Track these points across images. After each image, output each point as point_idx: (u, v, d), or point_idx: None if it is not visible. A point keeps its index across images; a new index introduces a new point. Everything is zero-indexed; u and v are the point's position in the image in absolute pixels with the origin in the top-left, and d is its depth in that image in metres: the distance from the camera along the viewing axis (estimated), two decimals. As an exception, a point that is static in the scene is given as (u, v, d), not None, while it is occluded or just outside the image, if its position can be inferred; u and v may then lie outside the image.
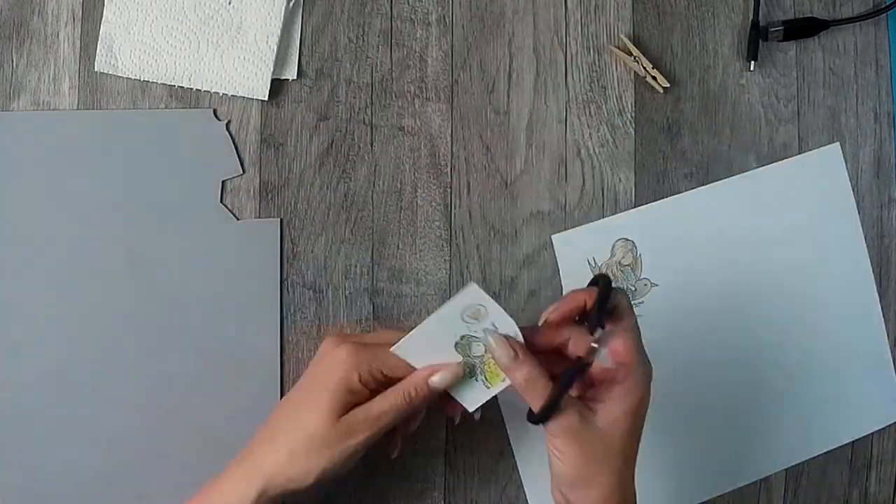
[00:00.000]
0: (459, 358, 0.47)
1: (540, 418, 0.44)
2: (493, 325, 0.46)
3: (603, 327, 0.45)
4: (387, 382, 0.47)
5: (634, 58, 0.63)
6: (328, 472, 0.46)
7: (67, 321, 0.56)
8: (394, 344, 0.47)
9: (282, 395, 0.58)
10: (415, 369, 0.47)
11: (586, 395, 0.47)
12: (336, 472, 0.46)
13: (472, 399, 0.48)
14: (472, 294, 0.45)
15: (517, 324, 0.46)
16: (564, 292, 0.61)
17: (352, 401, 0.46)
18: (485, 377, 0.48)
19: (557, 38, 0.63)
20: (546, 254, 0.62)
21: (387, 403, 0.46)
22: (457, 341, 0.47)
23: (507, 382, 0.47)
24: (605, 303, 0.44)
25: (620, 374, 0.45)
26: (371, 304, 0.60)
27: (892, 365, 0.66)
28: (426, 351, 0.47)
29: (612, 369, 0.45)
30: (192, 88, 0.59)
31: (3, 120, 0.57)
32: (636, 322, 0.47)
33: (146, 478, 0.56)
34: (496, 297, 0.61)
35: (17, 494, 0.55)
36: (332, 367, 0.46)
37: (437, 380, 0.47)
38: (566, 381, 0.44)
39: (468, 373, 0.48)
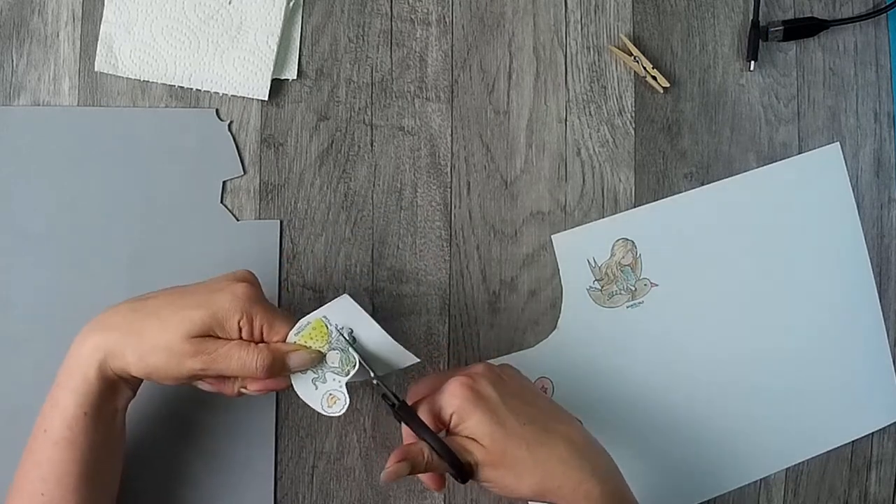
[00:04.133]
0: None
1: (463, 480, 0.48)
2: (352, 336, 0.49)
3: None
4: (259, 339, 0.48)
5: (634, 58, 0.63)
6: (157, 374, 0.47)
7: (67, 320, 0.56)
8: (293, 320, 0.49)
9: (278, 393, 0.58)
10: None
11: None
12: (165, 379, 0.47)
13: (306, 393, 0.50)
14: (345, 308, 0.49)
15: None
16: (564, 292, 0.61)
17: (216, 333, 0.47)
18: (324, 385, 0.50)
19: (557, 38, 0.63)
20: (546, 254, 0.62)
21: (238, 352, 0.47)
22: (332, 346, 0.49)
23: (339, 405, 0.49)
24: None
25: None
26: (371, 304, 0.60)
27: (892, 365, 0.66)
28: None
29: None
30: (192, 88, 0.59)
31: (4, 116, 0.57)
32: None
33: (142, 474, 0.56)
34: (496, 296, 0.61)
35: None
36: (223, 293, 0.47)
37: (295, 359, 0.48)
38: (445, 449, 0.47)
39: (319, 375, 0.50)
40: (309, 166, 0.60)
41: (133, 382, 0.49)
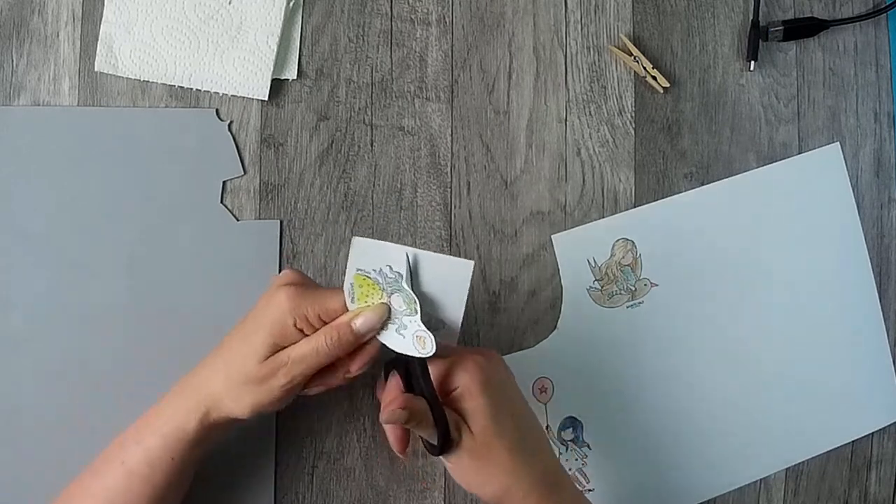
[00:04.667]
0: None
1: (441, 452, 0.47)
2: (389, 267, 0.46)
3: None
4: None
5: (634, 58, 0.63)
6: (259, 407, 0.47)
7: (67, 320, 0.56)
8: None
9: (282, 395, 0.58)
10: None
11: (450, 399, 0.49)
12: (269, 406, 0.48)
13: (399, 345, 0.48)
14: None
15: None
16: (564, 292, 0.61)
17: (283, 343, 0.47)
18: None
19: (557, 38, 0.63)
20: (546, 254, 0.62)
21: (308, 347, 0.46)
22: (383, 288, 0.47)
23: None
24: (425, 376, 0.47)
25: (465, 393, 0.48)
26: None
27: (892, 365, 0.66)
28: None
29: (457, 388, 0.49)
30: (192, 88, 0.59)
31: (4, 116, 0.57)
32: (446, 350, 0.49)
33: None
34: (496, 296, 0.61)
35: (15, 492, 0.54)
36: (270, 307, 0.47)
37: (360, 322, 0.47)
38: (442, 416, 0.46)
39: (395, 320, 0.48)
40: (309, 166, 0.60)
41: (233, 423, 0.49)
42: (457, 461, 0.48)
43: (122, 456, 0.48)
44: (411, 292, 0.45)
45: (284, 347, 0.47)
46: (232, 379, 0.47)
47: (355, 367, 0.49)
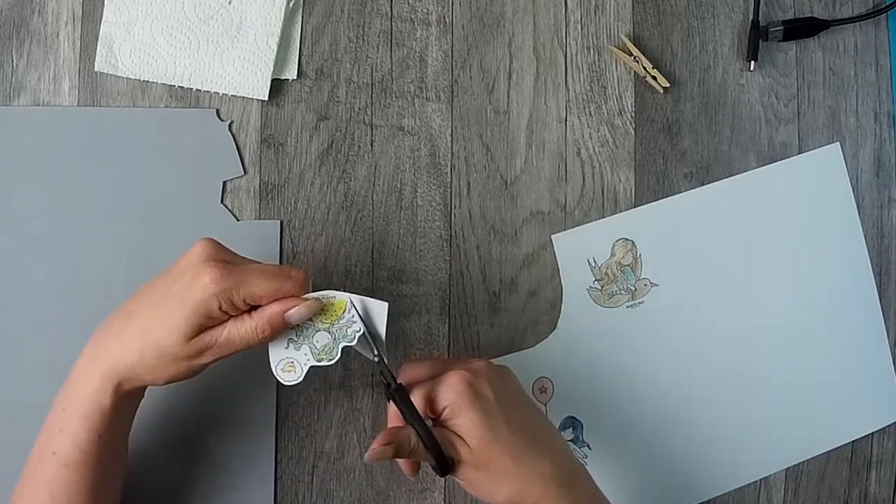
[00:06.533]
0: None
1: (442, 474, 0.48)
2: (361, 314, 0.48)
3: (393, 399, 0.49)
4: (250, 308, 0.47)
5: (634, 58, 0.63)
6: (177, 378, 0.47)
7: (67, 321, 0.56)
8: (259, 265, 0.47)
9: (278, 393, 0.58)
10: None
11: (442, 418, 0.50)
12: (187, 378, 0.47)
13: (274, 346, 0.49)
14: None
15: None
16: (564, 292, 0.61)
17: (206, 324, 0.45)
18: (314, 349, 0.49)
19: (557, 38, 0.63)
20: (546, 254, 0.62)
21: (238, 333, 0.46)
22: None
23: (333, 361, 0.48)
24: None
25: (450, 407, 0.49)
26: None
27: (892, 365, 0.66)
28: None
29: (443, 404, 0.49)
30: (192, 88, 0.59)
31: (4, 116, 0.57)
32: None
33: (141, 474, 0.56)
34: (496, 296, 0.61)
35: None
36: (194, 287, 0.45)
37: (293, 313, 0.46)
38: (432, 440, 0.47)
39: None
40: (309, 166, 0.60)
41: (144, 391, 0.49)
42: (463, 476, 0.48)
43: (52, 447, 0.47)
44: (339, 354, 0.48)
45: (208, 327, 0.46)
46: (150, 353, 0.45)
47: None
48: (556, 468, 0.49)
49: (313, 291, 0.48)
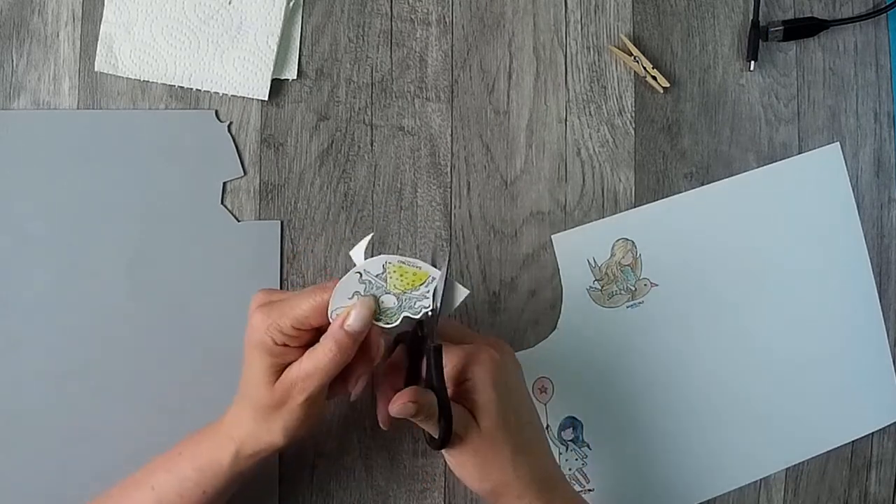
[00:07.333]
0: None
1: (441, 447, 0.47)
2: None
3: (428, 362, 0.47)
4: (310, 332, 0.47)
5: (634, 58, 0.63)
6: (292, 430, 0.47)
7: (67, 322, 0.56)
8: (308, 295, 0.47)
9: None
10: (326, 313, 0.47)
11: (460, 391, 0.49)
12: (301, 424, 0.47)
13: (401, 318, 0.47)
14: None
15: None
16: (564, 292, 0.61)
17: (280, 361, 0.46)
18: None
19: (557, 38, 0.63)
20: (546, 254, 0.62)
21: (311, 363, 0.45)
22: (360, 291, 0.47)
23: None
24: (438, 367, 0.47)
25: (472, 387, 0.48)
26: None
27: (892, 365, 0.66)
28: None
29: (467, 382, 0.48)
30: (192, 88, 0.59)
31: (4, 119, 0.57)
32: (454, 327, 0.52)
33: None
34: (496, 296, 0.61)
35: (15, 492, 0.55)
36: (251, 336, 0.46)
37: (351, 321, 0.45)
38: (449, 412, 0.46)
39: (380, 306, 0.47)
40: (309, 166, 0.60)
41: (273, 452, 0.49)
42: (458, 456, 0.48)
43: (153, 481, 0.48)
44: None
45: (286, 364, 0.46)
46: (256, 412, 0.47)
47: (363, 367, 0.48)
48: (544, 470, 0.50)
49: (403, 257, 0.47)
